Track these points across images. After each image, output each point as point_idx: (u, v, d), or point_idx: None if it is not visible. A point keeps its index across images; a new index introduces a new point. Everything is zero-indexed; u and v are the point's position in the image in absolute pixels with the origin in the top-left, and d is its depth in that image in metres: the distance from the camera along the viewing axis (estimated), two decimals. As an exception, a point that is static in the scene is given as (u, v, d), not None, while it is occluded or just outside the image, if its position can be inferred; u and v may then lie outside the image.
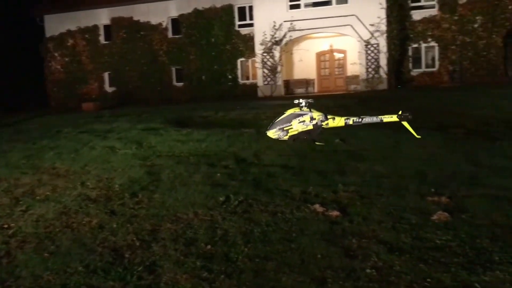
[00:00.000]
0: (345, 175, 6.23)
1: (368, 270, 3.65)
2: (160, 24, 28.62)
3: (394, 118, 5.88)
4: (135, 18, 28.96)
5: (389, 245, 4.04)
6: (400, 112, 5.85)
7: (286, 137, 6.30)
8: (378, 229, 4.42)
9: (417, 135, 5.92)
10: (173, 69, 28.91)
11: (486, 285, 3.34)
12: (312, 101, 6.30)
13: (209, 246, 4.29)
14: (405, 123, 5.86)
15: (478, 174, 5.99)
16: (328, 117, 6.11)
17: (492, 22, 23.39)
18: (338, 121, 6.09)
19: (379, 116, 5.96)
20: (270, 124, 6.50)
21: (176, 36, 28.46)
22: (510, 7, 23.10)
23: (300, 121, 6.15)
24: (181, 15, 28.12)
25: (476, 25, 23.70)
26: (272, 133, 6.37)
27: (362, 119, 5.99)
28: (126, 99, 27.18)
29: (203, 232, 4.63)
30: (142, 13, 28.77)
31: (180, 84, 28.79)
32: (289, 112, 6.31)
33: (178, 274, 3.83)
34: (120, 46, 29.47)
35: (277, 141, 8.58)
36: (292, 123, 6.19)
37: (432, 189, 5.44)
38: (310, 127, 6.15)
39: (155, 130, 10.83)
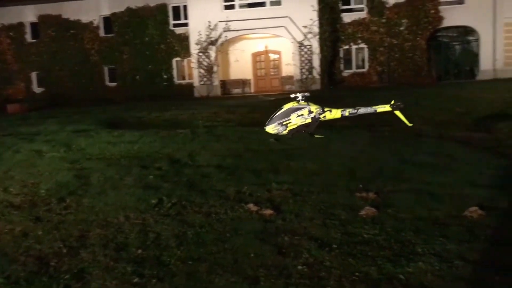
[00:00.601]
0: (279, 174, 6.32)
1: (299, 267, 3.72)
2: (91, 22, 27.69)
3: (387, 108, 6.07)
4: (64, 16, 27.82)
5: (320, 241, 4.15)
6: (392, 102, 6.02)
7: (285, 132, 6.31)
8: (310, 226, 4.52)
9: (409, 123, 6.12)
10: (106, 69, 28.06)
11: (410, 276, 3.51)
12: (309, 95, 6.35)
13: (140, 250, 4.20)
14: (397, 112, 6.05)
15: (403, 170, 6.29)
16: (325, 109, 6.19)
17: (416, 25, 24.69)
18: (335, 113, 6.21)
19: (373, 107, 6.14)
20: (268, 119, 6.43)
21: (109, 35, 27.66)
22: (432, 11, 24.47)
23: (298, 115, 6.19)
24: (114, 14, 27.36)
25: (402, 28, 24.89)
26: (271, 128, 6.34)
27: (357, 110, 6.14)
28: (56, 100, 25.97)
29: (135, 236, 4.52)
30: (71, 11, 27.67)
31: (114, 84, 27.99)
32: (287, 106, 6.32)
33: (107, 280, 3.71)
34: (48, 44, 28.17)
35: (211, 141, 8.62)
36: (290, 117, 6.21)
37: (360, 185, 5.64)
38: (309, 120, 6.20)
39: (86, 132, 10.44)
